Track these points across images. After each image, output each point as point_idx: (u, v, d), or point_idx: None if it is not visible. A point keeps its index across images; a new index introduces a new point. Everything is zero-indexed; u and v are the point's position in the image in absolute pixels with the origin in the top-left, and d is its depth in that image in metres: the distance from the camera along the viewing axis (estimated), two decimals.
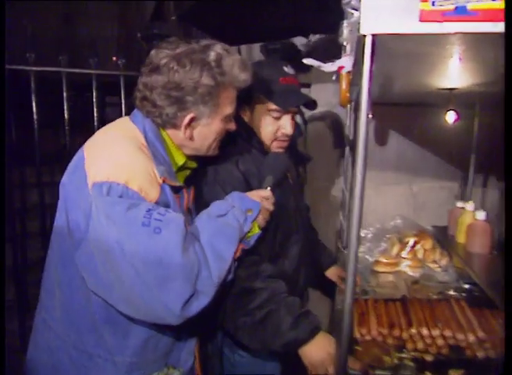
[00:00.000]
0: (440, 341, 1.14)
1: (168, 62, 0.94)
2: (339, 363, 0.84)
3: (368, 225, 2.14)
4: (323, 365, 0.99)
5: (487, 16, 0.61)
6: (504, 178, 0.68)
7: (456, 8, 0.62)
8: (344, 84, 1.27)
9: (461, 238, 1.63)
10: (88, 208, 0.84)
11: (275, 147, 1.25)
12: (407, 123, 2.10)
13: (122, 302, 0.86)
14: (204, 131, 1.01)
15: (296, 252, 1.26)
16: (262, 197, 1.06)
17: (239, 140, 1.21)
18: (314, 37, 1.80)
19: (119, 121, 1.04)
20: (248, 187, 1.15)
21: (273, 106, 1.19)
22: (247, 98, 1.19)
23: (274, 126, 1.22)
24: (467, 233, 1.57)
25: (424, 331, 1.15)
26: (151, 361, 0.95)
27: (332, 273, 1.63)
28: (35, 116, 2.07)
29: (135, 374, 0.94)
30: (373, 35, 0.66)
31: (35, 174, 2.20)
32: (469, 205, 1.64)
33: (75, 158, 0.95)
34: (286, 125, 1.22)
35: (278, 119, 1.22)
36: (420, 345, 1.13)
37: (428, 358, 1.10)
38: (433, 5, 0.62)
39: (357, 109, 1.74)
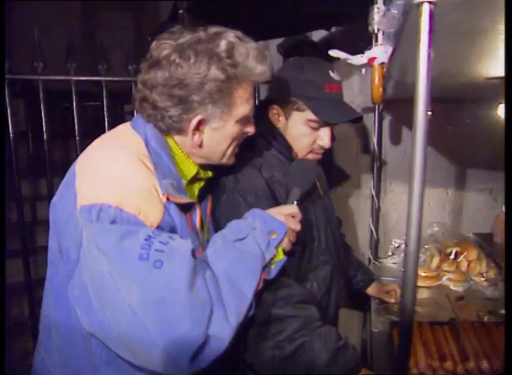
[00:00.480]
0: None
1: (169, 55, 0.80)
2: None
3: (399, 233, 1.97)
4: None
5: None
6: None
7: None
8: (377, 78, 1.11)
9: None
10: (79, 236, 0.71)
11: (310, 158, 1.11)
12: (443, 120, 1.91)
13: (120, 346, 0.71)
14: (216, 136, 0.86)
15: (326, 274, 1.10)
16: (288, 214, 0.90)
17: (261, 142, 1.07)
18: (336, 30, 1.65)
19: (118, 128, 0.90)
20: (273, 197, 1.01)
21: (314, 117, 1.04)
22: (283, 101, 1.05)
23: (311, 138, 1.08)
24: None
25: (485, 364, 0.97)
26: None
27: (374, 290, 1.47)
28: (44, 127, 1.98)
29: None
30: (430, 3, 0.50)
31: (48, 187, 2.12)
32: None
33: (67, 173, 0.81)
34: (324, 137, 1.08)
35: (316, 129, 1.07)
36: None
37: None
38: None
39: (385, 108, 1.57)
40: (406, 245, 0.61)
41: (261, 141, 1.07)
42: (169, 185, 0.77)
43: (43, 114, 1.97)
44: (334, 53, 1.14)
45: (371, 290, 1.47)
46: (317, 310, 0.93)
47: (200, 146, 0.86)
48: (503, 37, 0.71)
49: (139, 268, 0.67)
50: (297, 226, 0.91)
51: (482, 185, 2.16)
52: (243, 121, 0.89)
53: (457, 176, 2.12)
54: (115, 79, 2.07)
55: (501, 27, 0.64)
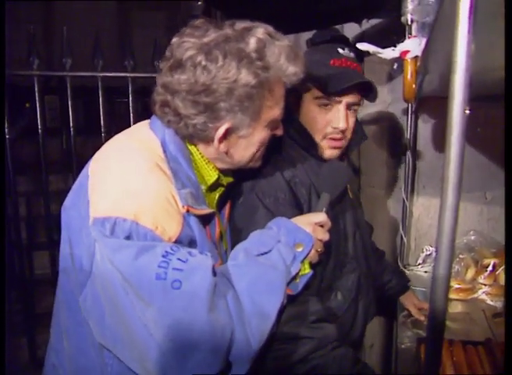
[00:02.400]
0: None
1: (194, 56, 0.72)
2: None
3: (431, 239, 1.85)
4: None
5: None
6: (504, 178, 0.60)
7: None
8: (409, 73, 1.02)
9: None
10: (92, 245, 0.67)
11: (327, 147, 1.01)
12: (480, 119, 1.77)
13: (133, 361, 0.67)
14: (244, 143, 0.80)
15: (352, 284, 1.02)
16: (316, 223, 0.83)
17: (285, 139, 0.99)
18: (367, 23, 1.55)
19: (135, 128, 0.86)
20: (294, 199, 0.94)
21: (318, 93, 0.96)
22: (297, 87, 0.95)
23: (322, 120, 0.98)
24: None
25: None
26: None
27: (407, 300, 1.37)
28: (71, 123, 2.01)
29: None
30: None
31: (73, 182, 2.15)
32: None
33: (80, 176, 0.77)
34: (336, 117, 0.97)
35: (328, 109, 0.98)
36: None
37: None
38: None
39: (420, 107, 1.45)
40: (436, 253, 0.53)
41: (284, 137, 0.99)
42: (189, 195, 0.72)
43: (70, 110, 2.00)
44: (363, 46, 1.05)
45: (404, 299, 1.38)
46: (335, 328, 0.86)
47: (227, 153, 0.81)
48: None
49: (156, 288, 0.63)
50: (326, 236, 0.84)
51: None
52: (273, 125, 0.83)
53: (497, 179, 1.96)
54: (141, 75, 2.06)
55: None
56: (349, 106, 0.98)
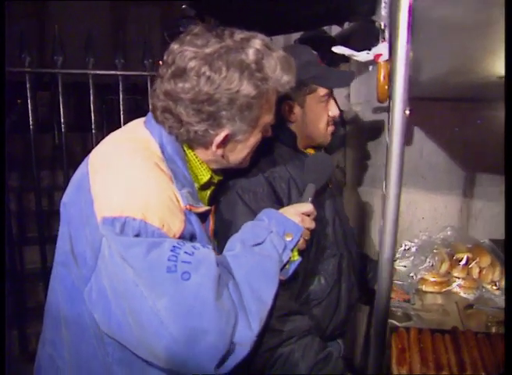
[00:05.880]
0: None
1: (198, 67, 0.75)
2: None
3: (414, 236, 1.91)
4: None
5: None
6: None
7: None
8: (382, 75, 1.07)
9: None
10: (97, 243, 0.71)
11: (329, 134, 1.15)
12: (458, 120, 1.83)
13: (140, 347, 0.72)
14: (239, 147, 0.86)
15: (333, 267, 1.09)
16: (303, 213, 0.89)
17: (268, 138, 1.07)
18: (349, 25, 1.60)
19: (130, 127, 0.88)
20: (274, 194, 0.99)
21: (325, 91, 1.08)
22: (295, 92, 1.04)
23: (325, 113, 1.12)
24: None
25: None
26: None
27: None
28: (62, 119, 2.04)
29: None
30: None
31: (64, 178, 2.18)
32: None
33: (77, 173, 0.81)
34: (333, 107, 1.12)
35: (326, 103, 1.11)
36: None
37: None
38: None
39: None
40: (379, 252, 0.58)
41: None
42: (188, 195, 0.77)
43: (61, 107, 2.03)
44: (338, 50, 1.10)
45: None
46: (306, 320, 0.92)
47: (223, 156, 0.86)
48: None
49: (168, 281, 0.68)
50: (312, 225, 0.90)
51: (503, 187, 2.07)
52: (265, 128, 0.89)
53: (477, 178, 2.03)
54: (131, 73, 2.11)
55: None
56: (333, 97, 1.14)
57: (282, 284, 0.85)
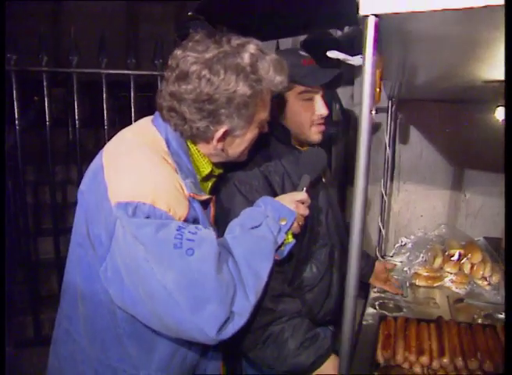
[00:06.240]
0: None
1: (199, 70, 0.84)
2: None
3: (410, 233, 1.97)
4: None
5: None
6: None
7: None
8: None
9: None
10: (111, 225, 0.79)
11: (315, 132, 1.17)
12: (457, 121, 1.88)
13: (152, 318, 0.81)
14: (237, 142, 0.94)
15: (324, 257, 1.17)
16: (297, 201, 0.97)
17: (265, 135, 1.13)
18: (349, 29, 1.67)
19: (139, 124, 0.98)
20: (269, 186, 1.08)
21: (302, 88, 1.12)
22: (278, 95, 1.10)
23: (308, 111, 1.15)
24: None
25: (459, 362, 1.00)
26: None
27: (376, 279, 1.53)
28: (76, 116, 2.14)
29: None
30: (376, 15, 0.55)
31: (78, 172, 2.29)
32: None
33: (92, 164, 0.90)
34: (319, 105, 1.14)
35: (310, 100, 1.14)
36: None
37: None
38: None
39: (399, 108, 1.59)
40: (349, 249, 0.65)
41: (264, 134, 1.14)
42: (191, 184, 0.86)
43: (76, 104, 2.14)
44: (332, 54, 1.18)
45: (372, 280, 1.53)
46: (297, 303, 1.00)
47: (223, 150, 0.95)
48: (486, 43, 0.74)
49: (174, 256, 0.76)
50: (306, 212, 0.99)
51: (503, 187, 2.11)
52: (261, 124, 0.97)
53: (475, 179, 2.08)
54: (142, 73, 2.19)
55: (478, 36, 0.67)
56: (322, 97, 1.16)
57: (277, 265, 0.94)
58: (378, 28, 0.55)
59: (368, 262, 1.54)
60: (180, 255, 0.76)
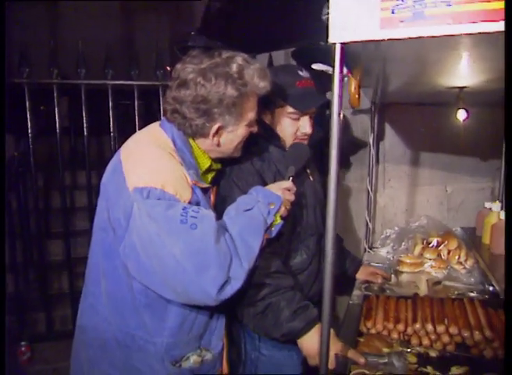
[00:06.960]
0: (446, 338, 1.14)
1: (194, 78, 1.03)
2: (321, 351, 0.89)
3: (395, 225, 2.13)
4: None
5: (444, 19, 0.66)
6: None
7: (414, 14, 0.67)
8: (353, 87, 1.32)
9: (486, 239, 1.59)
10: (129, 208, 0.95)
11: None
12: (435, 122, 2.06)
13: (163, 286, 0.97)
14: (230, 137, 1.11)
15: (312, 244, 1.32)
16: (284, 188, 1.13)
17: (259, 139, 1.29)
18: None
19: (149, 128, 1.15)
20: (262, 181, 1.23)
21: (291, 109, 1.26)
22: (268, 103, 1.27)
23: (293, 128, 1.29)
24: (492, 233, 1.54)
25: (429, 327, 1.16)
26: (186, 342, 1.06)
27: (363, 273, 1.66)
28: (85, 124, 2.31)
29: (172, 353, 1.05)
30: (342, 43, 0.72)
31: (86, 178, 2.45)
32: (495, 206, 1.60)
33: (112, 161, 1.08)
34: (304, 126, 1.29)
35: (297, 120, 1.29)
36: (425, 341, 1.15)
37: (433, 353, 1.11)
38: (393, 13, 0.68)
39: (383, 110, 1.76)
40: (326, 240, 0.81)
41: (258, 137, 1.28)
42: (194, 174, 1.03)
43: (84, 113, 2.30)
44: (317, 66, 1.35)
45: (360, 274, 1.66)
46: (289, 279, 1.16)
47: (218, 145, 1.12)
48: (446, 59, 0.91)
49: (181, 230, 0.92)
50: (292, 197, 1.15)
51: (484, 183, 2.30)
52: (250, 123, 1.14)
53: (457, 174, 2.25)
54: (145, 83, 2.36)
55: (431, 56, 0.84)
56: (310, 116, 1.30)
57: (272, 247, 1.11)
58: (344, 51, 0.72)
59: (354, 263, 1.68)
60: (186, 229, 0.92)
